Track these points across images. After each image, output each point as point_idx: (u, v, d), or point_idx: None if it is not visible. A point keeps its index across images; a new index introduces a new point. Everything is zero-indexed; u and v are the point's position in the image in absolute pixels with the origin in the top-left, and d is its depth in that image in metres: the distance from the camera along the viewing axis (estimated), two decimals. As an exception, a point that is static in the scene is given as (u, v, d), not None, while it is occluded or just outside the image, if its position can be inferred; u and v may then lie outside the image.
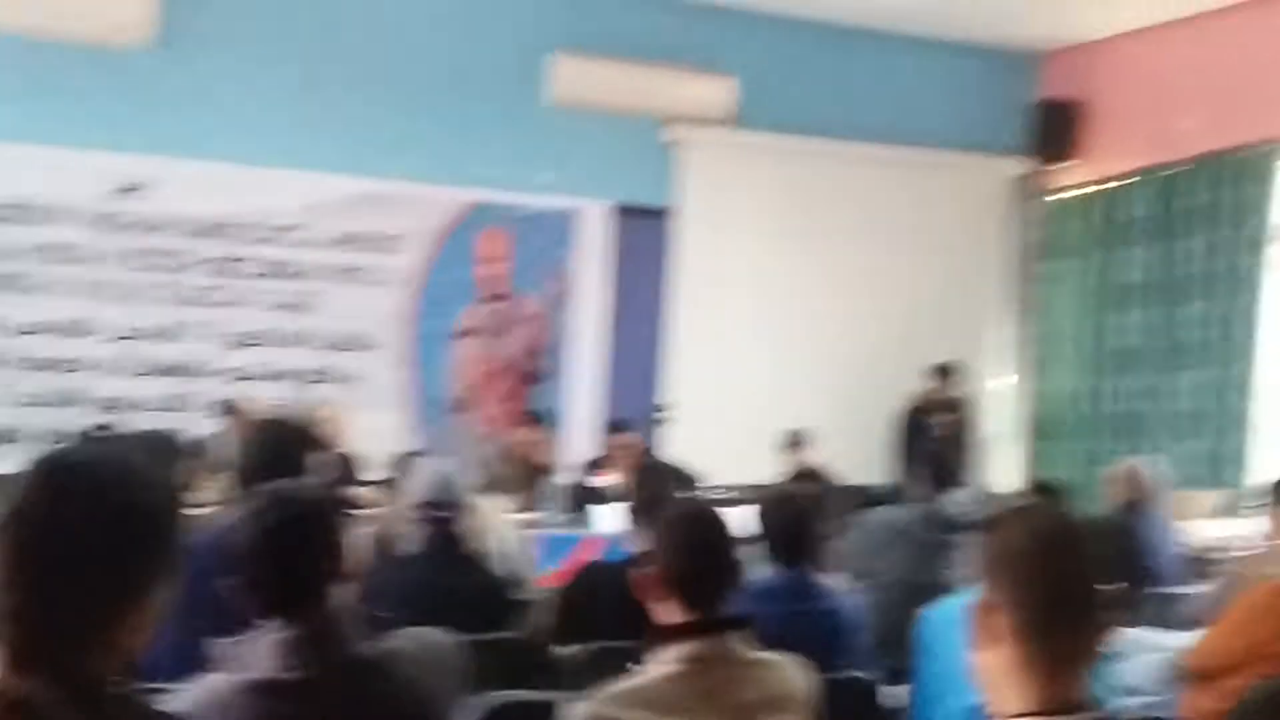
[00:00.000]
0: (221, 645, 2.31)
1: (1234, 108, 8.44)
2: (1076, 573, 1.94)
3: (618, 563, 4.02)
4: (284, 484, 2.49)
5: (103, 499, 1.60)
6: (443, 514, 4.09)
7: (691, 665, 2.59)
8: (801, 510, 3.76)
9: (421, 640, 2.46)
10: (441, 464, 4.24)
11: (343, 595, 2.39)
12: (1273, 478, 7.67)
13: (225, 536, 2.37)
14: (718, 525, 2.81)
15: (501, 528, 4.87)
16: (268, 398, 7.90)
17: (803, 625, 3.55)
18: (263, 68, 8.16)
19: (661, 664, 2.61)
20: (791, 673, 2.76)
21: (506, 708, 3.14)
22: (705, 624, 2.65)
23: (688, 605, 2.67)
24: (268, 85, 8.16)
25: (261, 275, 8.22)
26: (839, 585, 5.34)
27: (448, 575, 3.98)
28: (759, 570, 3.73)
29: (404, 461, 5.21)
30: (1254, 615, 3.80)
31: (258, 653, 2.25)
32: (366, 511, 5.17)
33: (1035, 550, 1.94)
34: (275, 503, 2.39)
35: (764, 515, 3.77)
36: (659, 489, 4.04)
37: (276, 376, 8.25)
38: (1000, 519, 2.03)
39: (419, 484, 4.16)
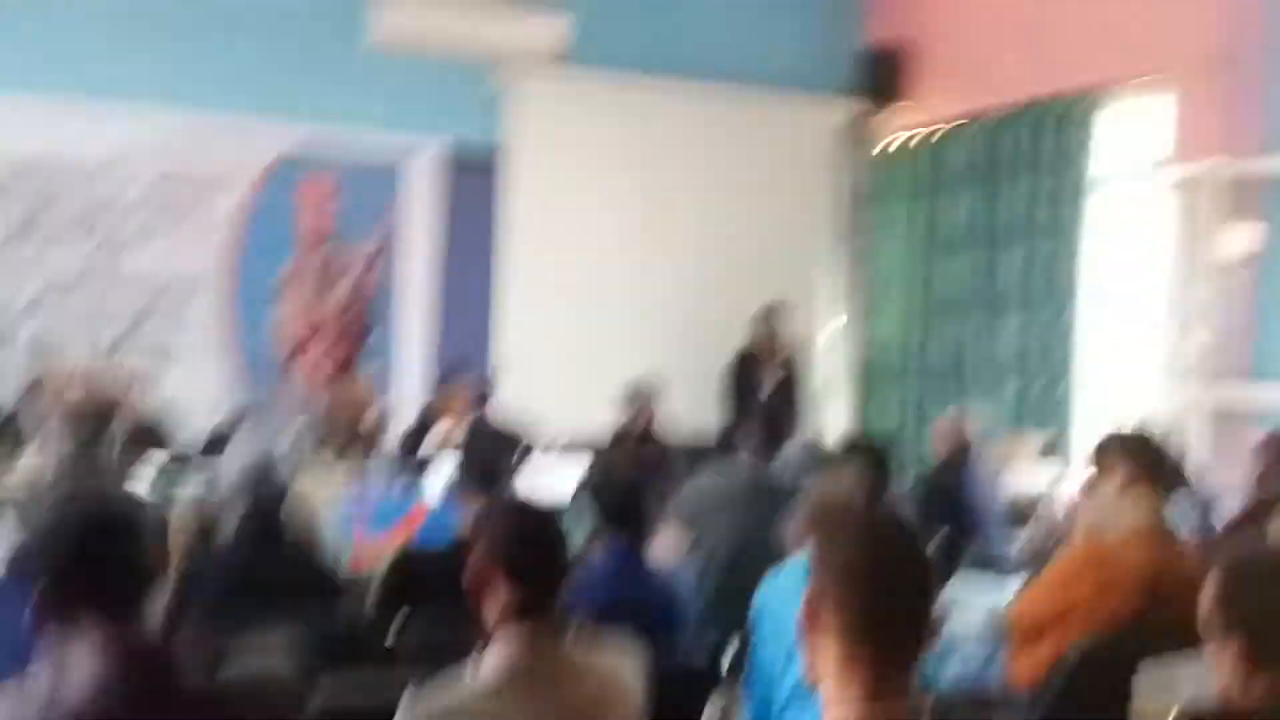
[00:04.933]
0: (43, 648, 2.20)
1: (1055, 55, 8.54)
2: (906, 583, 1.97)
3: (434, 549, 3.96)
4: (91, 484, 2.38)
5: None
6: (262, 500, 3.97)
7: (521, 667, 2.56)
8: (632, 483, 3.75)
9: (260, 675, 2.36)
10: (260, 446, 4.11)
11: (160, 600, 2.29)
12: (1091, 422, 8.00)
13: (31, 541, 2.24)
14: (548, 520, 2.79)
15: (326, 504, 4.73)
16: (80, 346, 7.56)
17: (635, 609, 3.54)
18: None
19: (490, 669, 2.57)
20: (623, 670, 2.75)
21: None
22: (535, 620, 2.61)
23: (517, 600, 2.62)
24: (78, 13, 7.75)
25: (72, 217, 7.81)
26: (669, 561, 5.38)
27: (268, 563, 3.87)
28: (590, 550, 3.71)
29: (223, 434, 5.02)
30: (1071, 575, 3.87)
31: (79, 666, 2.14)
32: (185, 493, 5.02)
33: (865, 560, 1.96)
34: (84, 502, 2.28)
35: (594, 488, 3.76)
36: (491, 455, 3.99)
37: (88, 324, 7.88)
38: (832, 520, 2.08)
39: (238, 467, 4.03)
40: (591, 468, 3.93)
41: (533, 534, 2.71)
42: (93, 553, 2.23)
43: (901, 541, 2.01)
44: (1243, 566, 2.54)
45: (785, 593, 3.40)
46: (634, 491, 3.80)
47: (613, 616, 3.45)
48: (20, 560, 2.31)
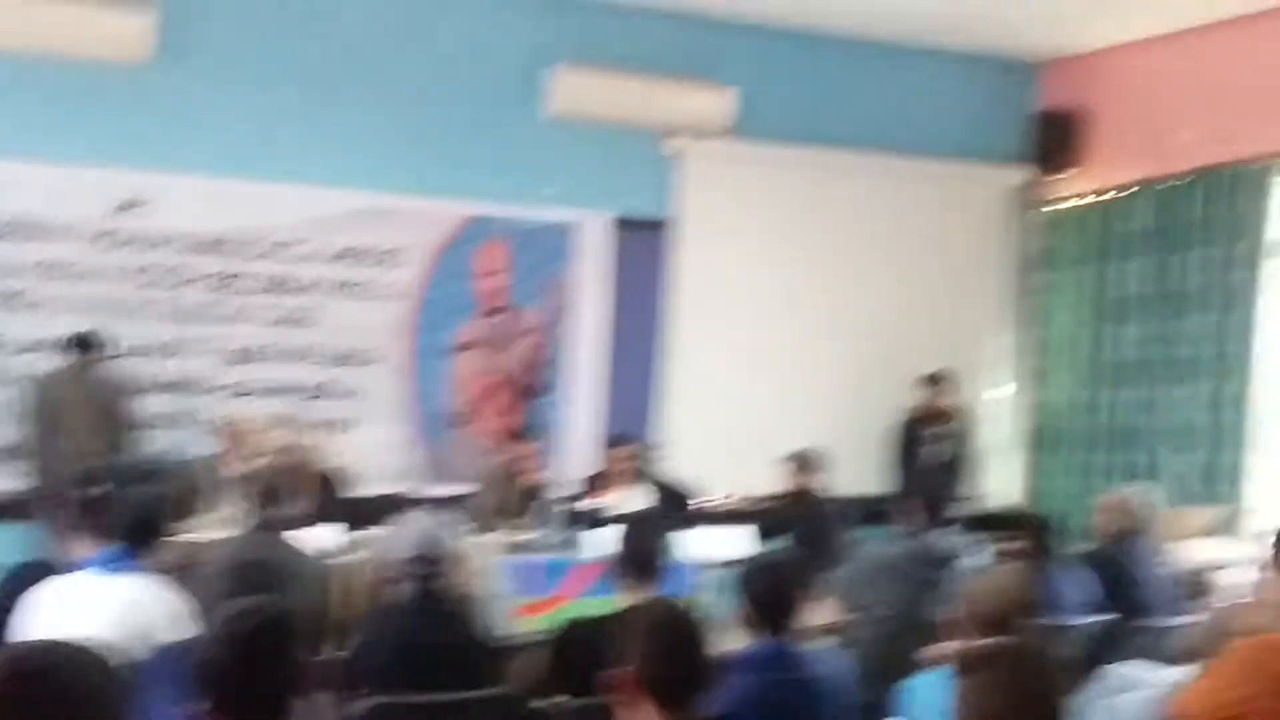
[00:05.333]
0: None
1: (1231, 121, 8.41)
2: None
3: (600, 619, 4.05)
4: (249, 600, 2.52)
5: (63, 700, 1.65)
6: (429, 569, 4.13)
7: None
8: (783, 577, 3.76)
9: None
10: (431, 517, 4.28)
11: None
12: (1269, 500, 7.78)
13: (197, 653, 2.40)
14: (693, 627, 2.83)
15: (490, 570, 4.89)
16: (265, 414, 7.94)
17: (785, 695, 3.58)
18: (261, 83, 8.15)
19: None
20: None
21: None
22: None
23: (662, 709, 2.68)
24: (266, 100, 8.16)
25: (260, 291, 8.24)
26: (823, 636, 5.41)
27: (434, 632, 4.03)
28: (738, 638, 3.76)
29: (399, 498, 5.24)
30: (1244, 670, 3.76)
31: None
32: (353, 558, 5.24)
33: (1004, 714, 2.00)
34: (245, 616, 2.43)
35: (745, 583, 3.78)
36: (648, 544, 4.10)
37: (275, 392, 8.28)
38: (976, 664, 2.06)
39: (407, 538, 4.20)
40: (743, 570, 3.94)
41: (676, 652, 2.74)
42: (245, 680, 2.34)
43: (1041, 689, 2.04)
44: None
45: (926, 700, 3.42)
46: (785, 588, 3.76)
47: (764, 700, 3.53)
48: (184, 659, 2.46)
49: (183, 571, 4.33)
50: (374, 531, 6.38)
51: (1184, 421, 8.47)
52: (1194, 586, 6.39)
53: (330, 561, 5.13)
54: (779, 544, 6.95)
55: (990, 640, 3.34)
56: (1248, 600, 4.69)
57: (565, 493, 7.63)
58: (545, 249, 8.87)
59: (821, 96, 9.39)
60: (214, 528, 6.23)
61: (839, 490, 7.75)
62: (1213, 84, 8.64)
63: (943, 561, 5.33)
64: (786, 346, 9.30)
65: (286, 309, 8.31)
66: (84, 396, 7.28)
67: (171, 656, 3.06)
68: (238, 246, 8.17)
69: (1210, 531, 7.51)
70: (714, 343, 9.13)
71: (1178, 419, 8.53)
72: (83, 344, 7.40)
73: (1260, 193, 8.06)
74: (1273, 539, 4.21)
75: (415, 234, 8.56)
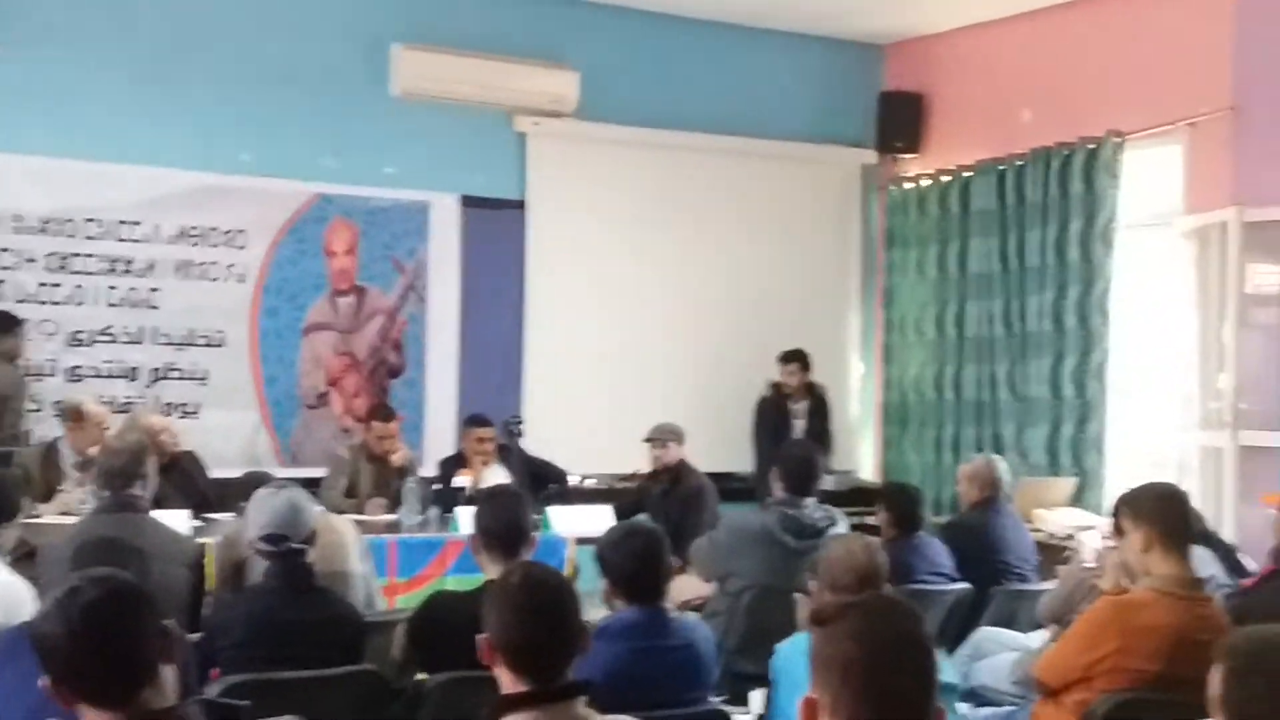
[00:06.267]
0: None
1: (1071, 102, 8.58)
2: (905, 680, 1.92)
3: (464, 593, 3.95)
4: (96, 570, 2.39)
5: None
6: (288, 546, 3.98)
7: None
8: (643, 547, 3.70)
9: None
10: (287, 493, 4.13)
11: (171, 681, 2.30)
12: (1122, 467, 7.97)
13: (38, 627, 2.27)
14: (549, 591, 2.71)
15: (352, 549, 4.74)
16: (112, 397, 7.71)
17: (657, 662, 3.53)
18: (98, 60, 7.84)
19: None
20: None
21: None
22: (542, 695, 2.56)
23: (525, 676, 2.59)
24: (103, 78, 7.85)
25: (98, 272, 7.93)
26: (690, 603, 5.38)
27: (293, 609, 3.89)
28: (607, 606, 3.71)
29: (254, 478, 5.07)
30: (1096, 632, 3.84)
31: None
32: (211, 540, 5.06)
33: (863, 660, 1.91)
34: (88, 586, 2.30)
35: (606, 554, 3.72)
36: (511, 516, 4.00)
37: (118, 375, 7.98)
38: (831, 615, 1.99)
39: (263, 514, 4.04)
40: (604, 541, 3.88)
41: (528, 615, 2.62)
42: (89, 653, 2.24)
43: (900, 634, 1.96)
44: (1250, 653, 2.52)
45: (801, 658, 3.40)
46: (649, 556, 3.72)
47: (637, 667, 3.48)
48: (32, 635, 2.32)
49: (27, 555, 4.13)
50: (224, 515, 6.27)
51: (1030, 396, 8.62)
52: (1049, 555, 6.52)
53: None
54: (641, 519, 6.93)
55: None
56: (1095, 567, 4.79)
57: (426, 473, 7.49)
58: (394, 229, 8.70)
59: (668, 78, 9.37)
60: (60, 511, 6.05)
61: (700, 467, 7.73)
62: (1051, 65, 8.81)
63: (809, 533, 5.33)
64: (644, 326, 9.27)
65: (126, 290, 8.01)
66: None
67: (15, 638, 2.88)
68: (72, 226, 7.86)
69: (1059, 503, 7.65)
70: (572, 322, 9.06)
71: (1024, 394, 8.69)
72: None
73: (1099, 171, 8.21)
74: (1115, 509, 4.31)
75: (259, 214, 8.32)
